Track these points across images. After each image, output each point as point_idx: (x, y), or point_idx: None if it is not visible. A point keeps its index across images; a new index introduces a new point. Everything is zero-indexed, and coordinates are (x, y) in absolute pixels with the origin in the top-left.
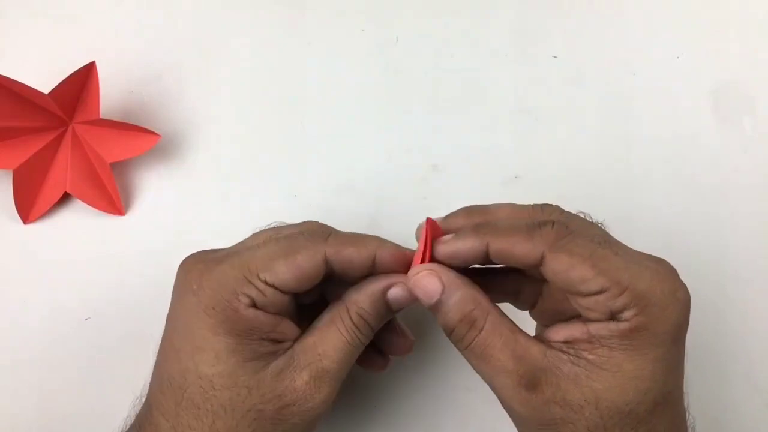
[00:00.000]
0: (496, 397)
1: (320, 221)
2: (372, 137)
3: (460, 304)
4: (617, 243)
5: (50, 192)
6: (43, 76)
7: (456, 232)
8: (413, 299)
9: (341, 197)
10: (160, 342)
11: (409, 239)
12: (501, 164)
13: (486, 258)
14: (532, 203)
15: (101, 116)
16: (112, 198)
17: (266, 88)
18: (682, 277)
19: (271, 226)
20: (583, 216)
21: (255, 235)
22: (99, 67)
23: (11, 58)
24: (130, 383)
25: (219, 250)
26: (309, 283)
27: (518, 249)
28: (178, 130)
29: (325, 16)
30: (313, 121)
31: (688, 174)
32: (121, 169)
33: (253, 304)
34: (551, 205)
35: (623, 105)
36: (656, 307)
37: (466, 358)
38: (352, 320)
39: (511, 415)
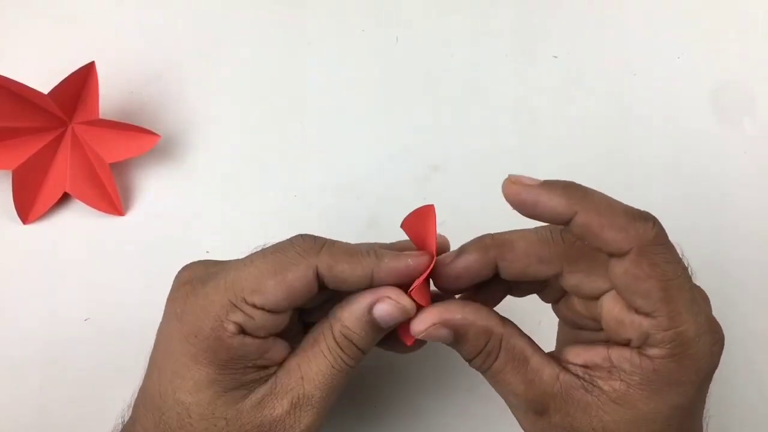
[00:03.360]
0: (495, 398)
1: (316, 229)
2: (372, 137)
3: (472, 344)
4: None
5: (50, 192)
6: (43, 76)
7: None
8: (405, 315)
9: (341, 197)
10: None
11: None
12: (501, 164)
13: (564, 222)
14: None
15: (101, 116)
16: (112, 198)
17: (266, 88)
18: None
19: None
20: None
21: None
22: (99, 67)
23: (11, 58)
24: (130, 383)
25: (215, 263)
26: (302, 300)
27: (608, 233)
28: (178, 130)
29: (325, 16)
30: (313, 121)
31: (688, 174)
32: (121, 169)
33: (241, 330)
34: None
35: (623, 105)
36: (691, 359)
37: (485, 378)
38: (335, 341)
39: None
